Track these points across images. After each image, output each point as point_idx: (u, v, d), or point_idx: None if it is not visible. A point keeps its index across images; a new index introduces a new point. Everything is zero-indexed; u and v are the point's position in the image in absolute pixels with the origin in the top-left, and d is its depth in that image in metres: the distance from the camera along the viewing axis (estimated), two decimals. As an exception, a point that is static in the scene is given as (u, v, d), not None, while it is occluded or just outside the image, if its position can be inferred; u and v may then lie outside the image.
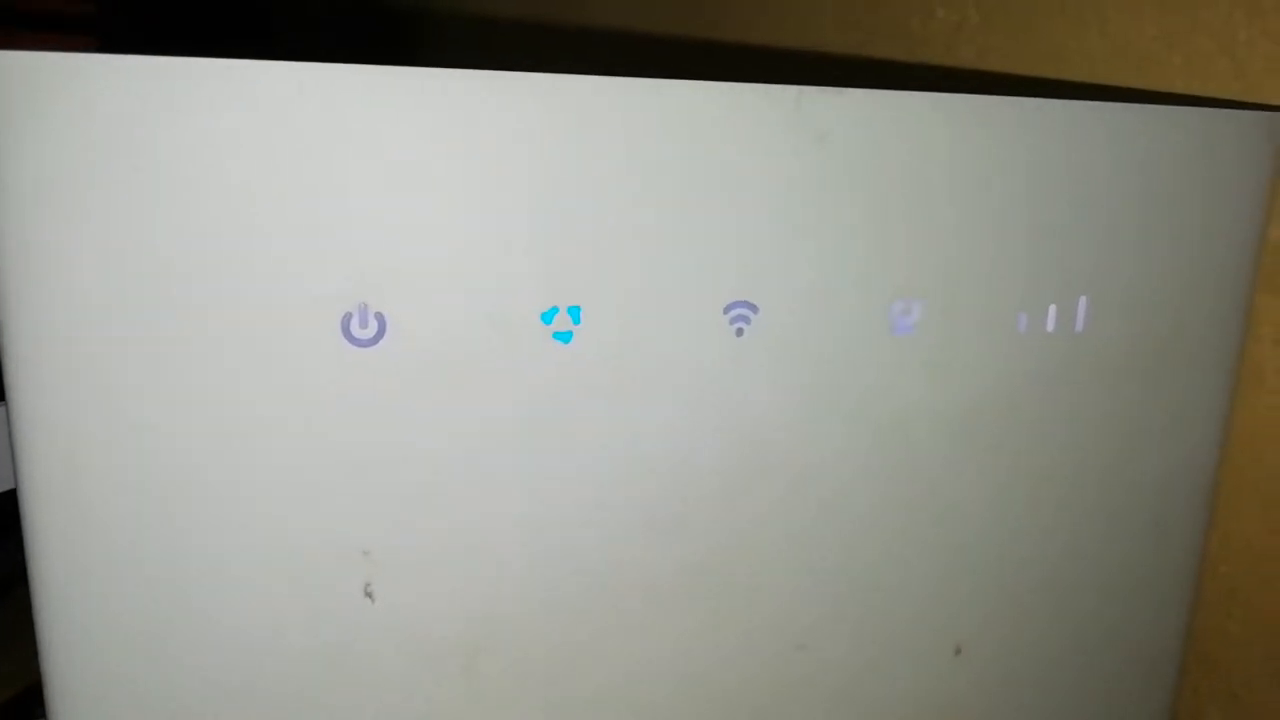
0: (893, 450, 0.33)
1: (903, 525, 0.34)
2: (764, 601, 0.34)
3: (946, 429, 0.33)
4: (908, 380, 0.32)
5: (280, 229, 0.26)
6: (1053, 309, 0.33)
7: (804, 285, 0.31)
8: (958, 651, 0.37)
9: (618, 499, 0.30)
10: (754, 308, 0.30)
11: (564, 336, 0.29)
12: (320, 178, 0.26)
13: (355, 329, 0.27)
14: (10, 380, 0.26)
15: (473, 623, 0.30)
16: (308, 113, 0.26)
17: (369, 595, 0.29)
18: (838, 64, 0.56)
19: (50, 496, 0.27)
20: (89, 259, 0.26)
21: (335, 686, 0.30)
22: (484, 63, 0.27)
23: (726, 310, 0.30)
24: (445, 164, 0.27)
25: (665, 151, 0.28)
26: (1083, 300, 0.34)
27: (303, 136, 0.26)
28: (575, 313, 0.29)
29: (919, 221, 0.31)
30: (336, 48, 1.04)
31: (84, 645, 0.28)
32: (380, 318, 0.28)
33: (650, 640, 0.32)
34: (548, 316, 0.29)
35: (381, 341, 0.28)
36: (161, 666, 0.29)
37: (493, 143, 0.27)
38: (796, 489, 0.32)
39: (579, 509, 0.30)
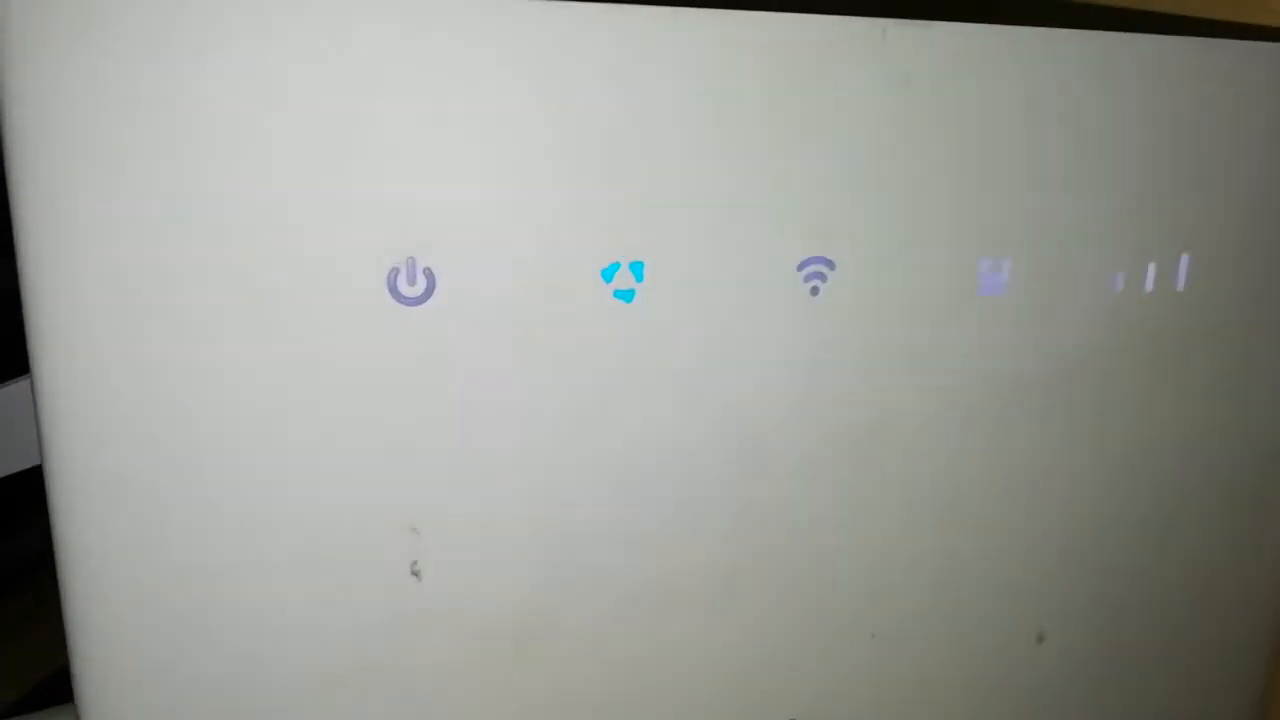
0: (976, 421, 0.30)
1: (984, 501, 0.32)
2: (833, 585, 0.31)
3: (1036, 397, 0.31)
4: (995, 344, 0.30)
5: (319, 177, 0.24)
6: (1152, 267, 0.31)
7: (885, 240, 0.28)
8: (1040, 639, 0.34)
9: (681, 473, 0.28)
10: (830, 264, 0.28)
11: (625, 295, 0.27)
12: (362, 119, 0.24)
13: (402, 285, 0.25)
14: (34, 349, 0.24)
15: (525, 604, 0.28)
16: (350, 47, 0.23)
17: (416, 574, 0.27)
18: None
19: (77, 472, 0.25)
20: (115, 220, 0.23)
21: (379, 669, 0.28)
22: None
23: (800, 267, 0.28)
24: (498, 104, 0.25)
25: (739, 90, 0.26)
26: (1185, 258, 0.31)
27: (344, 73, 0.23)
28: (638, 269, 0.26)
29: (1011, 172, 0.28)
30: None
31: (114, 628, 0.26)
32: (429, 274, 0.25)
33: (714, 625, 0.30)
34: (608, 273, 0.26)
35: (430, 300, 0.25)
36: (195, 648, 0.27)
37: (548, 80, 0.25)
38: (871, 462, 0.30)
39: (640, 484, 0.28)
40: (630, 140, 0.25)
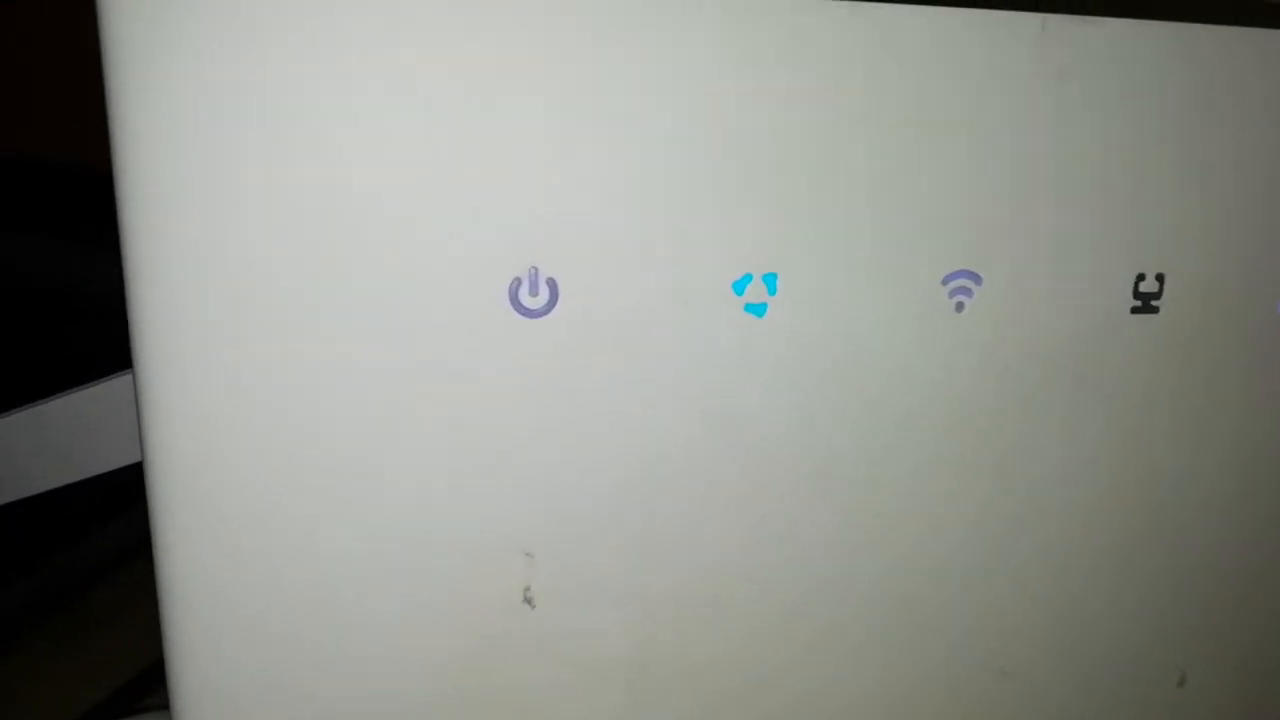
0: (1126, 446, 0.28)
1: (1128, 532, 0.29)
2: (961, 620, 0.29)
3: (1189, 426, 0.28)
4: (1147, 365, 0.28)
5: (439, 184, 0.23)
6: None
7: (1035, 253, 0.26)
8: (1182, 682, 0.32)
9: (814, 501, 0.26)
10: (977, 278, 0.26)
11: (757, 309, 0.25)
12: (491, 122, 0.22)
13: (524, 297, 0.24)
14: (138, 351, 0.23)
15: (642, 636, 0.27)
16: (482, 49, 0.22)
17: (528, 601, 0.26)
18: None
19: (178, 479, 0.24)
20: (226, 223, 0.22)
21: (487, 698, 0.27)
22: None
23: (945, 281, 0.26)
24: (629, 109, 0.23)
25: (884, 89, 0.24)
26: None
27: (474, 76, 0.22)
28: (771, 281, 0.25)
29: (1175, 182, 0.26)
30: None
31: (211, 636, 0.25)
32: (552, 284, 0.24)
33: (838, 665, 0.28)
34: (740, 286, 0.25)
35: (553, 311, 0.24)
36: (293, 662, 0.26)
37: (678, 78, 0.23)
38: (1014, 487, 0.28)
39: (770, 513, 0.26)
40: (764, 144, 0.24)
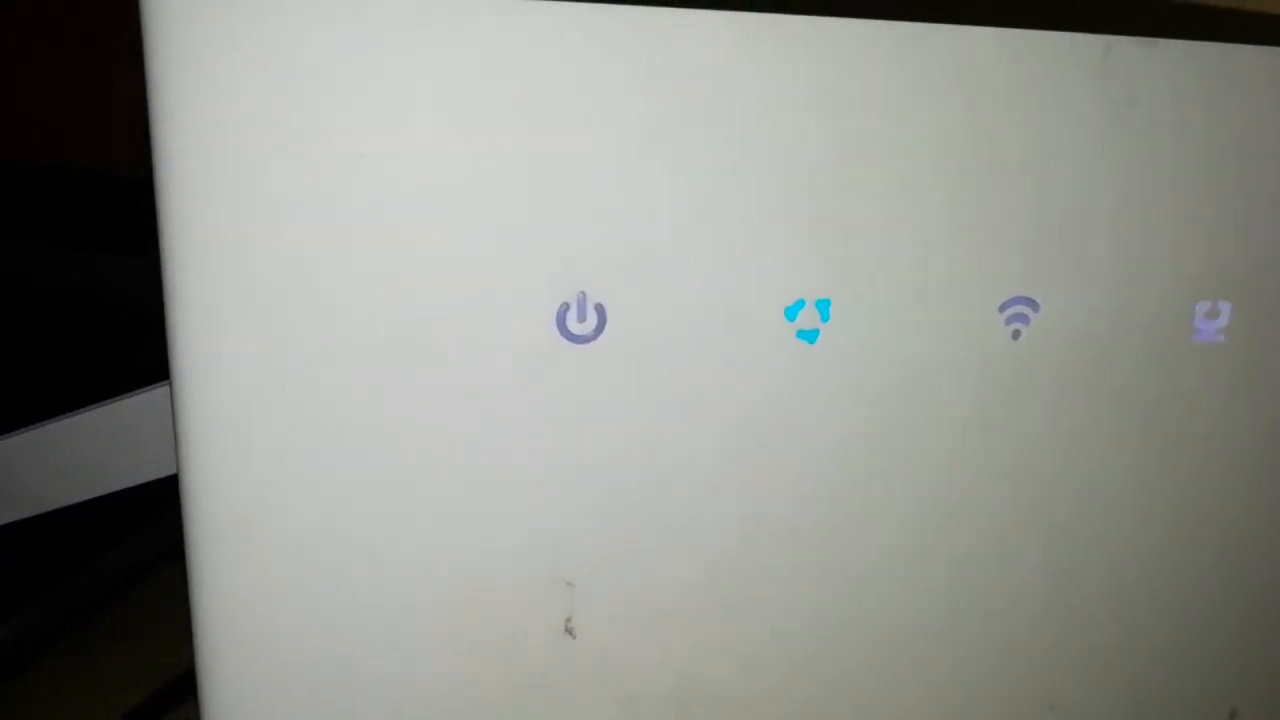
0: (1186, 480, 0.27)
1: (1185, 568, 0.29)
2: (1015, 655, 0.28)
3: (1250, 459, 0.28)
4: (1209, 396, 0.27)
5: (485, 206, 0.22)
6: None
7: (1096, 280, 0.25)
8: (1233, 716, 0.31)
9: (867, 532, 0.26)
10: (1035, 305, 0.25)
11: (809, 335, 0.24)
12: (529, 140, 0.22)
13: (572, 323, 0.23)
14: (175, 361, 0.23)
15: (688, 668, 0.26)
16: (529, 67, 0.21)
17: (569, 632, 0.25)
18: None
19: (213, 495, 0.24)
20: (263, 233, 0.22)
21: (524, 731, 0.26)
22: (718, 1, 0.22)
23: (1003, 308, 0.25)
24: (675, 123, 0.22)
25: (943, 111, 0.23)
26: None
27: (504, 86, 0.21)
28: (824, 307, 0.24)
29: (1243, 210, 0.25)
30: None
31: (244, 657, 0.25)
32: (600, 309, 0.23)
33: (892, 698, 0.27)
34: (792, 312, 0.24)
35: (600, 337, 0.23)
36: (329, 688, 0.25)
37: (730, 98, 0.22)
38: (1069, 521, 0.27)
39: (822, 544, 0.25)
40: (816, 166, 0.23)
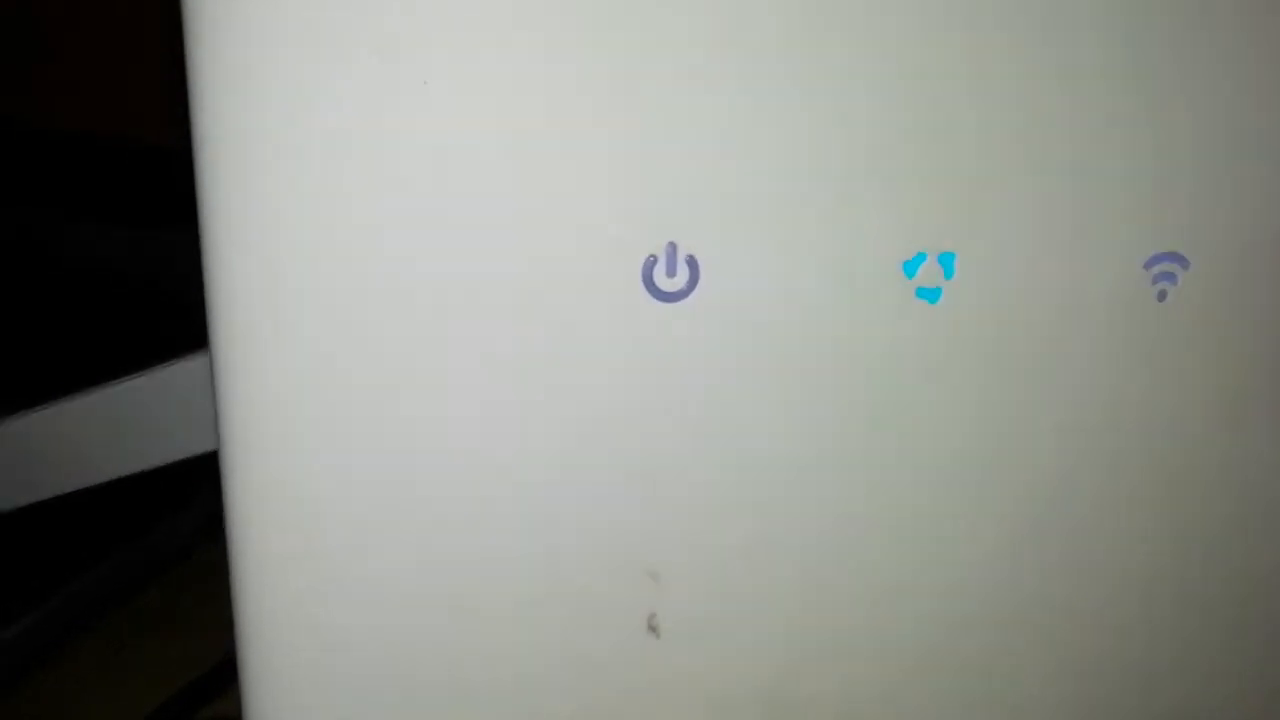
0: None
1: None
2: (1130, 655, 0.25)
3: None
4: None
5: (559, 143, 0.19)
6: None
7: (1251, 236, 0.22)
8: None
9: (993, 517, 0.23)
10: (1184, 262, 0.22)
11: (931, 294, 0.21)
12: (610, 70, 0.19)
13: (660, 278, 0.20)
14: (216, 330, 0.21)
15: (783, 673, 0.23)
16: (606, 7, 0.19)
17: (653, 629, 0.23)
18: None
19: (260, 482, 0.22)
20: (320, 179, 0.19)
21: (599, 737, 0.23)
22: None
23: (1148, 265, 0.22)
24: (775, 52, 0.19)
25: (1086, 25, 0.20)
26: None
27: (581, 13, 0.19)
28: (948, 262, 0.21)
29: None
30: None
31: (290, 645, 0.23)
32: (692, 263, 0.20)
33: (1004, 703, 0.24)
34: (911, 267, 0.21)
35: (692, 295, 0.21)
36: (380, 680, 0.23)
37: (841, 15, 0.19)
38: (1208, 512, 0.24)
39: (937, 533, 0.23)
40: (938, 98, 0.20)
